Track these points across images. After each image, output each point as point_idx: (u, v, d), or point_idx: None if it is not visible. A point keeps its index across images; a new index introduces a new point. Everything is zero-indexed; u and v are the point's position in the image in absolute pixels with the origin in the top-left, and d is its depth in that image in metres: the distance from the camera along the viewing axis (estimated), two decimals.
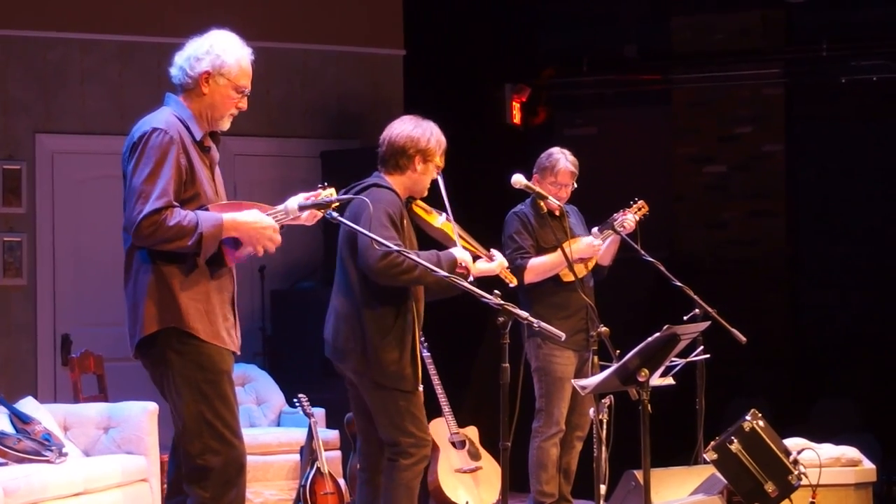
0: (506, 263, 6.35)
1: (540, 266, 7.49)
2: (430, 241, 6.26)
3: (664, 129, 11.86)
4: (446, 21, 10.90)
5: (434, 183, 6.24)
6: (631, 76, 11.71)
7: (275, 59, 10.32)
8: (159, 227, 4.99)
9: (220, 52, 5.27)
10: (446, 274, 5.65)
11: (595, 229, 7.65)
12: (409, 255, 5.73)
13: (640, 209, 7.63)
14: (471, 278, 5.98)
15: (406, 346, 6.04)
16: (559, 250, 7.26)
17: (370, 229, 5.71)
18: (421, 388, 6.11)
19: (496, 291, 5.59)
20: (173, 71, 5.32)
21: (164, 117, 5.20)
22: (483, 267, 6.25)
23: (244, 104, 5.36)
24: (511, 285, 6.45)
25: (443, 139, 6.22)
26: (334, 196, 5.47)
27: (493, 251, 6.34)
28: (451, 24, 10.92)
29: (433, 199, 6.29)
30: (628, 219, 7.50)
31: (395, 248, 5.67)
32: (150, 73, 10.01)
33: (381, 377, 6.02)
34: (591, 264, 7.62)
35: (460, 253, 6.06)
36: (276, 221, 5.26)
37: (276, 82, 10.40)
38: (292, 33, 10.64)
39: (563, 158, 7.56)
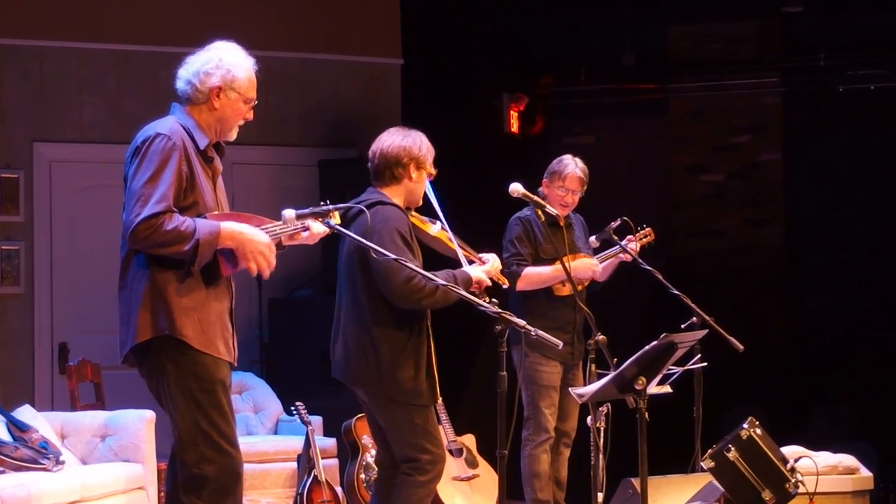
0: (498, 265, 6.34)
1: (535, 276, 7.50)
2: (427, 250, 6.27)
3: (661, 137, 11.87)
4: (444, 30, 10.91)
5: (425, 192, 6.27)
6: (628, 85, 11.72)
7: (273, 68, 10.31)
8: (156, 230, 4.99)
9: (230, 66, 5.29)
10: (464, 293, 5.64)
11: (592, 238, 7.67)
12: (428, 276, 5.72)
13: (645, 237, 7.70)
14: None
15: (421, 363, 6.04)
16: (557, 263, 7.27)
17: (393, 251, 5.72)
18: (440, 400, 6.12)
19: (494, 300, 5.59)
20: (180, 84, 5.32)
21: (169, 124, 5.22)
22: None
23: (251, 115, 5.39)
24: (504, 286, 6.46)
25: (432, 147, 6.24)
26: (332, 220, 5.44)
27: (484, 255, 6.33)
28: (449, 33, 10.93)
29: (424, 207, 6.31)
30: (631, 247, 7.55)
31: (418, 271, 5.68)
32: (147, 82, 10.02)
33: (398, 394, 6.01)
34: (586, 282, 7.63)
35: (475, 272, 6.05)
36: (276, 234, 5.27)
37: (274, 91, 10.40)
38: (290, 42, 10.65)
39: (572, 164, 7.61)
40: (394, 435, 6.11)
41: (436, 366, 6.10)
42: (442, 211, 6.23)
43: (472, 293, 5.81)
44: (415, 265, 5.78)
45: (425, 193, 6.26)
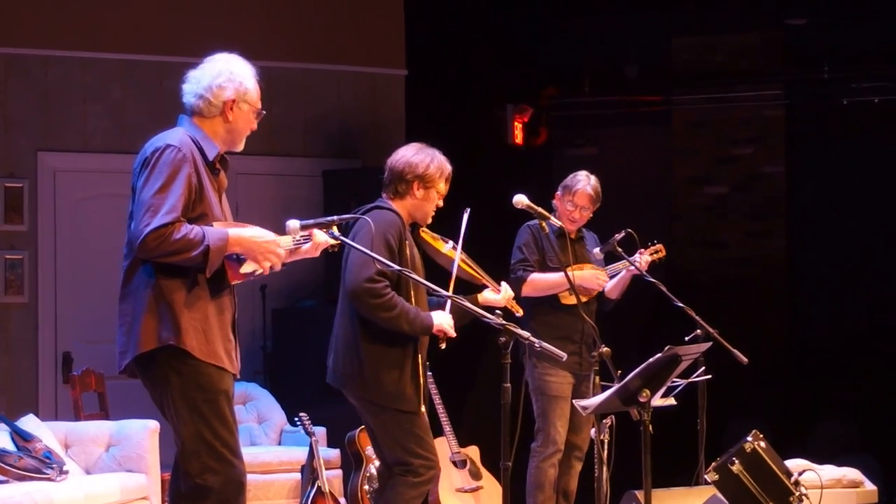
0: (512, 295, 6.37)
1: (540, 282, 7.51)
2: (437, 267, 6.27)
3: (664, 149, 11.87)
4: (448, 41, 10.91)
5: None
6: (631, 97, 11.74)
7: (277, 78, 10.32)
8: (165, 240, 5.00)
9: (242, 78, 5.31)
10: (468, 305, 5.63)
11: (596, 250, 7.67)
12: (428, 286, 5.72)
13: (656, 252, 7.69)
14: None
15: (406, 367, 6.03)
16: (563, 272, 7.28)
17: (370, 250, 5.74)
18: (423, 409, 6.10)
19: (498, 311, 5.60)
20: (189, 99, 5.31)
21: (179, 136, 5.23)
22: (490, 297, 6.30)
23: (255, 125, 5.40)
24: (518, 315, 6.46)
25: (446, 166, 6.21)
26: (335, 231, 5.46)
27: (503, 283, 6.36)
28: (453, 43, 10.93)
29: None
30: (643, 260, 7.55)
31: (408, 273, 5.68)
32: (151, 91, 10.03)
33: (382, 398, 6.01)
34: (593, 292, 7.62)
35: (440, 318, 6.00)
36: (283, 246, 5.28)
37: (277, 101, 10.39)
38: (294, 52, 10.66)
39: (584, 181, 7.61)
40: (384, 440, 6.11)
41: (423, 373, 6.09)
42: (464, 237, 6.21)
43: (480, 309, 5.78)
44: (387, 265, 5.71)
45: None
